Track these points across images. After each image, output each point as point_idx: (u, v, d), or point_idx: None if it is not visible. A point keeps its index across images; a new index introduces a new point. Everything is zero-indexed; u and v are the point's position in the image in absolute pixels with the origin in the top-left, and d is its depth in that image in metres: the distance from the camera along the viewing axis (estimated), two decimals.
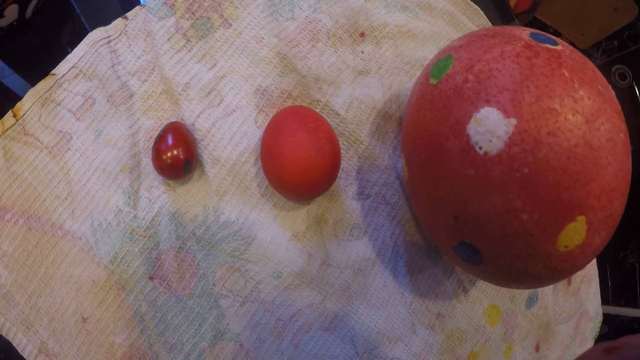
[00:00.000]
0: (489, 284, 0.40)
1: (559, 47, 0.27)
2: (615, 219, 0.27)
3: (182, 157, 0.31)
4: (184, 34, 0.35)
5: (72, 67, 0.34)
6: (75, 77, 0.34)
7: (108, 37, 0.35)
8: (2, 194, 0.33)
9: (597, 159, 0.24)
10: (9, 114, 0.34)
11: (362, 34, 0.38)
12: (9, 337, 0.32)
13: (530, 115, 0.24)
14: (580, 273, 0.52)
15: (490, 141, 0.24)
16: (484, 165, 0.25)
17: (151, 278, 0.32)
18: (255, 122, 0.34)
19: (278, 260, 0.32)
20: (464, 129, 0.26)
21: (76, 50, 0.35)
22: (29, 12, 0.37)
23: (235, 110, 0.34)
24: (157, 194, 0.33)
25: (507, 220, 0.25)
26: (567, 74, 0.25)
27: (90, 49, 0.35)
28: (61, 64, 0.35)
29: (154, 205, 0.32)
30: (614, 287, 1.51)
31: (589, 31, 1.01)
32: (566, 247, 0.25)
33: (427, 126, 0.28)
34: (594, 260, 0.56)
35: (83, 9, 0.39)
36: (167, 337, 0.32)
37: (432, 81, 0.29)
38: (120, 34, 0.35)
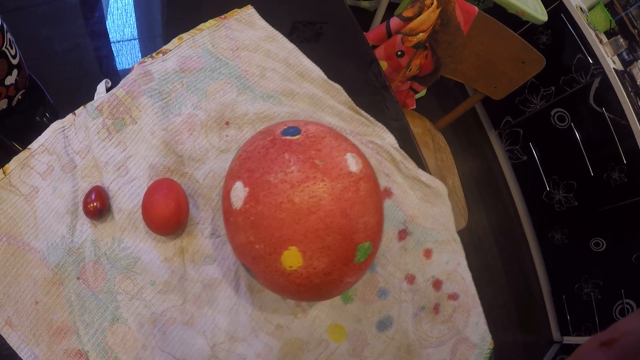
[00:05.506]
0: (330, 306, 0.54)
1: (296, 137, 0.39)
2: (333, 250, 0.37)
3: (98, 207, 0.51)
4: (107, 129, 0.55)
5: (40, 145, 0.56)
6: (42, 152, 0.56)
7: (63, 127, 0.56)
8: None
9: (299, 210, 0.36)
10: (0, 171, 0.55)
11: (227, 122, 0.57)
12: None
13: (255, 185, 0.39)
14: (452, 303, 0.60)
15: (237, 201, 0.41)
16: (235, 215, 0.41)
17: (78, 278, 0.53)
18: (147, 187, 0.54)
19: (153, 273, 0.52)
20: (229, 193, 0.42)
21: (44, 134, 0.56)
22: (14, 102, 0.58)
23: (134, 179, 0.54)
24: (85, 228, 0.53)
25: (250, 248, 0.40)
26: (287, 157, 0.38)
27: (52, 135, 0.55)
28: (34, 142, 0.56)
29: (83, 234, 0.53)
30: (573, 318, 1.55)
31: (500, 84, 1.10)
32: (291, 267, 0.38)
33: (224, 192, 0.45)
34: (474, 293, 0.62)
35: (52, 98, 0.60)
36: (84, 317, 0.52)
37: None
38: (71, 125, 0.56)
